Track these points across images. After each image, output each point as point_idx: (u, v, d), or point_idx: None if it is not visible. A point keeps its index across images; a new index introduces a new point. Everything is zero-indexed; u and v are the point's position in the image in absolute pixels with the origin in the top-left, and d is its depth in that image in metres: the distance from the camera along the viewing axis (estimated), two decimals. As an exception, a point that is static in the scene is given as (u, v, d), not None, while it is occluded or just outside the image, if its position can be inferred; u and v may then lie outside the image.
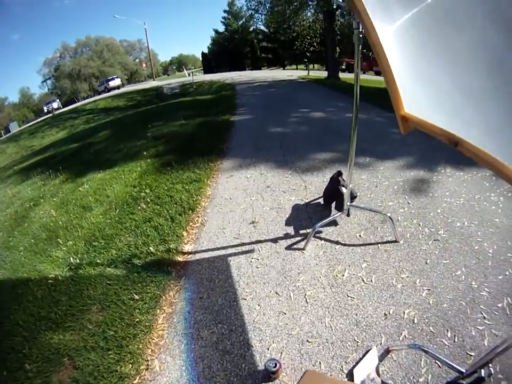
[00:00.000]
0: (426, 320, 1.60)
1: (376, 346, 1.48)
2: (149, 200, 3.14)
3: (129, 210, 3.05)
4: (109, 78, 34.04)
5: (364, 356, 1.44)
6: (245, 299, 1.80)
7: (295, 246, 2.23)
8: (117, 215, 3.02)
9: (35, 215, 3.71)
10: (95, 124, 10.39)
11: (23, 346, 1.81)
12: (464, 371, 1.22)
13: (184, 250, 2.30)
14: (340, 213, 2.27)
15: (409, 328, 1.56)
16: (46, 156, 7.31)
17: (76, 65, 47.21)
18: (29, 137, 13.33)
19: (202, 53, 41.73)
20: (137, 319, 1.77)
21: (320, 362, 1.44)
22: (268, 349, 1.51)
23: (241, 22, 34.73)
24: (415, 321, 1.60)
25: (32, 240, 3.08)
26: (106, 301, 1.96)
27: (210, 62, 38.78)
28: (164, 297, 1.92)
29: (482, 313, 1.59)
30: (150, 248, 2.33)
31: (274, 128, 5.33)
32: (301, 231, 2.39)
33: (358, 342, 1.52)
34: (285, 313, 1.67)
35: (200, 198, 3.02)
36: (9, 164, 9.21)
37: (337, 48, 14.59)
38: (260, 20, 19.09)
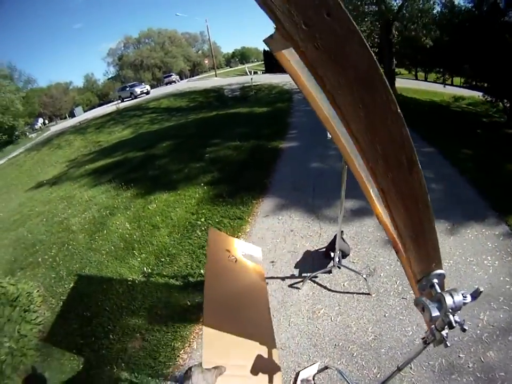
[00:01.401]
0: (362, 356, 2.37)
1: (320, 362, 2.39)
2: (203, 229, 4.41)
3: (188, 235, 4.36)
4: (165, 75, 35.03)
5: (309, 366, 2.36)
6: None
7: (295, 285, 3.18)
8: (178, 238, 4.35)
9: (112, 224, 5.15)
10: (158, 126, 11.79)
11: (108, 323, 3.18)
12: None
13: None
14: (331, 267, 3.22)
15: (347, 358, 2.39)
16: (115, 161, 8.81)
17: (138, 55, 52.80)
18: (96, 132, 14.90)
19: (264, 51, 41.74)
20: (188, 317, 3.06)
21: (284, 363, 2.42)
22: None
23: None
24: (354, 354, 2.40)
25: (112, 247, 4.48)
26: (169, 303, 3.26)
27: (272, 59, 38.54)
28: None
29: (411, 364, 2.18)
30: (201, 270, 3.61)
31: (315, 163, 6.14)
32: (303, 274, 3.30)
33: (310, 356, 2.46)
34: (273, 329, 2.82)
35: (240, 235, 4.16)
36: (78, 158, 10.92)
37: (394, 59, 15.24)
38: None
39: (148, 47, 55.51)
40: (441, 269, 0.99)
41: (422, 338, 1.08)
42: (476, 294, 0.90)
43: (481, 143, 6.87)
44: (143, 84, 34.19)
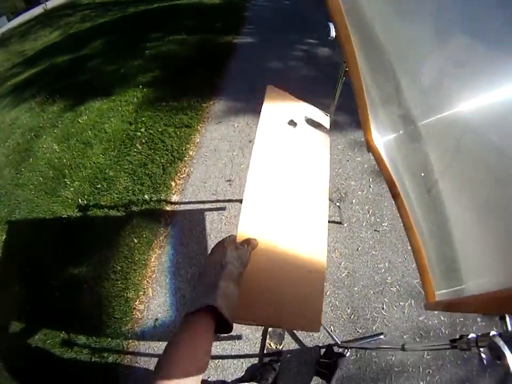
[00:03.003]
0: (336, 296, 2.23)
1: None
2: (144, 142, 3.78)
3: (126, 152, 3.72)
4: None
5: None
6: (213, 250, 2.62)
7: None
8: (115, 156, 3.72)
9: (38, 149, 4.41)
10: (91, 24, 10.28)
11: (50, 276, 2.79)
12: (339, 342, 1.95)
13: (171, 200, 3.06)
14: None
15: None
16: (40, 70, 7.61)
17: None
18: (20, 40, 13.19)
19: None
20: (137, 258, 2.68)
21: None
22: (221, 289, 2.38)
23: None
24: (328, 293, 2.24)
25: (41, 179, 3.84)
26: (113, 240, 2.83)
27: None
28: (155, 241, 2.78)
29: (383, 305, 2.14)
30: (145, 196, 3.11)
31: (274, 63, 5.31)
32: None
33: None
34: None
35: (189, 146, 3.59)
36: (0, 74, 9.57)
37: None
38: None
39: None
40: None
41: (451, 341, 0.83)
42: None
43: None
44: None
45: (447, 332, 2.02)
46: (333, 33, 1.09)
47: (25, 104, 6.05)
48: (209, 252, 1.99)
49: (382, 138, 1.08)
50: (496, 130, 0.71)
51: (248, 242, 0.86)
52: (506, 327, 0.60)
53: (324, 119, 1.48)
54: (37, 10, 21.71)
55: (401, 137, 1.02)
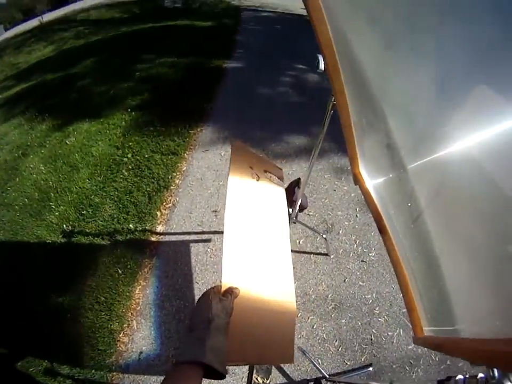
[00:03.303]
0: (323, 329, 2.23)
1: None
2: (130, 168, 3.81)
3: (112, 178, 3.74)
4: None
5: None
6: (197, 283, 2.62)
7: None
8: (101, 181, 3.72)
9: (25, 169, 4.38)
10: (84, 41, 10.34)
11: (33, 304, 2.73)
12: (327, 376, 1.89)
13: (157, 231, 3.06)
14: None
15: (307, 331, 2.23)
16: (31, 85, 7.61)
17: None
18: (14, 52, 13.16)
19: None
20: (121, 289, 2.66)
21: None
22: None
23: None
24: (314, 326, 2.24)
25: (26, 200, 3.80)
26: (97, 270, 2.82)
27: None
28: (140, 272, 2.78)
29: (371, 335, 2.16)
30: (130, 225, 3.11)
31: (263, 89, 5.38)
32: None
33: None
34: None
35: (175, 175, 3.62)
36: None
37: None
38: None
39: None
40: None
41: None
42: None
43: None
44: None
45: (437, 359, 2.04)
46: (322, 66, 1.11)
47: (15, 119, 6.03)
48: (194, 285, 2.03)
49: (371, 181, 1.10)
50: (490, 168, 0.72)
51: (231, 292, 0.89)
52: (493, 374, 0.60)
53: (278, 172, 1.59)
54: (33, 23, 21.81)
55: (390, 179, 1.04)
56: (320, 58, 1.24)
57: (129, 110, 5.03)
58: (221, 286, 0.95)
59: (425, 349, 1.97)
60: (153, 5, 15.65)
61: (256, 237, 1.27)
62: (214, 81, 5.67)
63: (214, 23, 9.39)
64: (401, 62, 0.83)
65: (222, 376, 0.70)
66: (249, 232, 1.25)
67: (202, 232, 3.00)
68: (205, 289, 1.85)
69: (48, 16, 22.20)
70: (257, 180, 1.45)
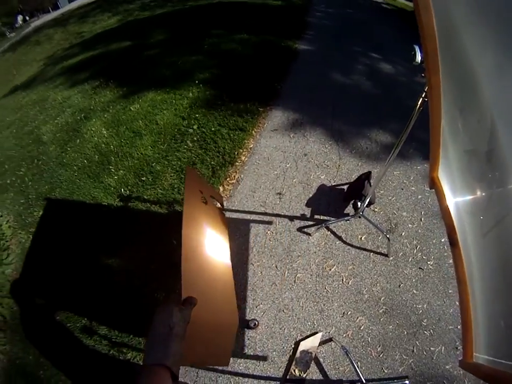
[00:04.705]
0: (369, 331, 2.22)
1: (323, 332, 2.22)
2: (195, 139, 3.85)
3: (176, 147, 3.80)
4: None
5: (311, 335, 2.21)
6: (253, 264, 2.62)
7: (305, 230, 2.83)
8: (164, 150, 3.81)
9: (86, 131, 4.58)
10: (149, 13, 10.63)
11: (81, 261, 2.88)
12: (363, 380, 1.95)
13: (217, 205, 3.08)
14: (350, 217, 2.77)
15: (354, 331, 2.22)
16: (96, 54, 7.90)
17: None
18: (78, 22, 13.70)
19: None
20: (175, 261, 2.59)
21: (285, 328, 2.26)
22: (256, 307, 2.38)
23: None
24: (361, 328, 2.24)
25: (85, 162, 3.98)
26: (151, 238, 2.89)
27: None
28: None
29: (414, 347, 2.13)
30: (191, 195, 3.12)
31: (334, 74, 5.27)
32: (316, 216, 2.92)
33: (315, 324, 2.27)
34: (276, 285, 2.48)
35: (241, 151, 3.62)
36: (57, 53, 10.00)
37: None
38: None
39: None
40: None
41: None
42: None
43: None
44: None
45: None
46: (418, 57, 1.07)
47: (79, 85, 6.29)
48: (249, 266, 2.36)
49: (455, 198, 1.04)
50: None
51: (190, 302, 0.99)
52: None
53: (220, 198, 2.16)
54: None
55: (479, 198, 0.96)
56: (417, 48, 1.14)
57: (196, 82, 5.08)
58: (181, 295, 1.08)
59: (461, 372, 2.01)
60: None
61: (206, 254, 1.59)
62: (284, 61, 5.61)
63: (285, 3, 9.31)
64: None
65: (175, 378, 0.76)
66: (201, 248, 1.56)
67: (265, 213, 2.98)
68: (259, 272, 2.33)
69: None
70: (205, 203, 1.89)
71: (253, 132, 3.93)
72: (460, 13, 0.72)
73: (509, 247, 0.78)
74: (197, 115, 4.27)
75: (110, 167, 3.75)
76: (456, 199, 1.00)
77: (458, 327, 2.16)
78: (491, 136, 0.84)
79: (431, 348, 2.12)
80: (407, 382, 2.00)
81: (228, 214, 3.00)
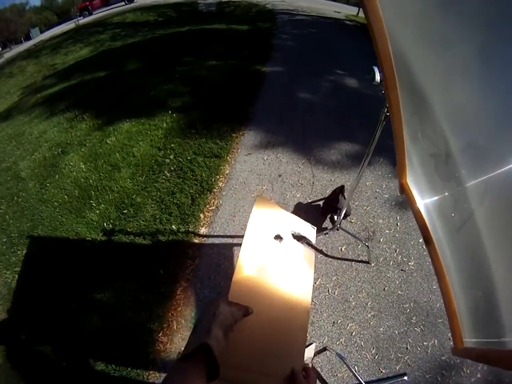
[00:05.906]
0: (361, 336, 2.29)
1: (317, 343, 2.26)
2: (172, 169, 3.90)
3: (154, 178, 3.84)
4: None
5: (305, 346, 2.22)
6: (240, 287, 2.67)
7: None
8: (143, 181, 3.83)
9: (65, 166, 4.55)
10: (121, 43, 10.74)
11: (70, 300, 2.83)
12: (363, 382, 2.00)
13: (200, 233, 3.13)
14: (329, 231, 2.89)
15: (346, 338, 2.28)
16: (70, 85, 7.91)
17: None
18: (51, 54, 13.72)
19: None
20: (162, 289, 2.72)
21: None
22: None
23: None
24: (353, 334, 2.31)
25: (66, 197, 3.95)
26: (138, 269, 2.90)
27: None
28: (181, 273, 2.83)
29: (407, 345, 2.22)
30: (173, 226, 3.18)
31: (302, 93, 5.46)
32: None
33: (307, 336, 2.26)
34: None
35: (218, 178, 3.69)
36: (32, 85, 9.95)
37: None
38: None
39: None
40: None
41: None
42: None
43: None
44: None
45: (468, 371, 2.08)
46: (378, 78, 1.15)
47: (54, 118, 6.29)
48: None
49: (423, 200, 1.09)
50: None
51: (244, 307, 0.89)
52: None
53: (310, 232, 1.43)
54: (69, 25, 22.97)
55: (444, 198, 1.06)
56: (376, 70, 1.27)
57: (170, 111, 5.17)
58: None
59: (458, 360, 2.13)
60: (188, 9, 16.13)
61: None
62: (253, 85, 5.80)
63: (250, 27, 9.58)
64: (467, 83, 0.87)
65: (218, 372, 0.68)
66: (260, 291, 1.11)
67: (246, 236, 3.01)
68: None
69: (83, 20, 23.25)
70: (280, 242, 1.28)
71: (228, 157, 4.01)
72: (408, 37, 0.81)
73: (476, 237, 0.89)
74: (172, 145, 4.34)
75: (91, 201, 3.76)
76: (425, 201, 1.07)
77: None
78: (445, 143, 0.96)
79: (424, 343, 2.22)
80: (406, 378, 2.07)
81: (209, 240, 3.07)
